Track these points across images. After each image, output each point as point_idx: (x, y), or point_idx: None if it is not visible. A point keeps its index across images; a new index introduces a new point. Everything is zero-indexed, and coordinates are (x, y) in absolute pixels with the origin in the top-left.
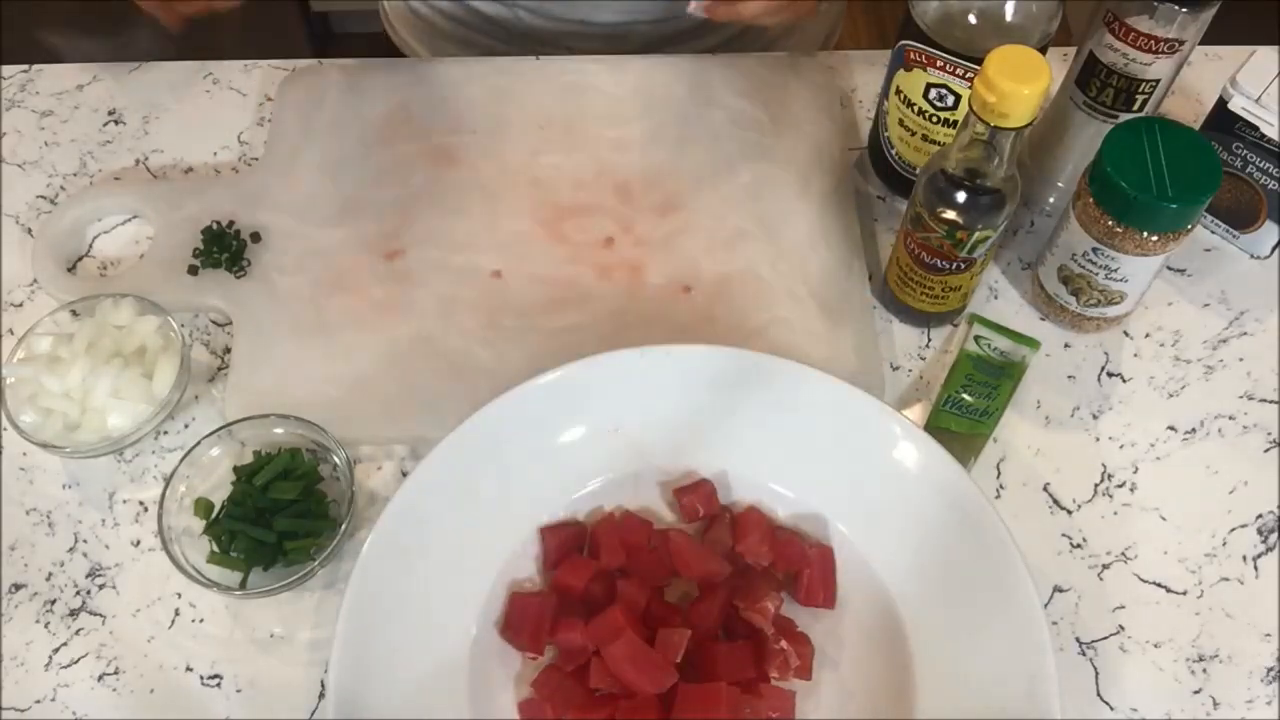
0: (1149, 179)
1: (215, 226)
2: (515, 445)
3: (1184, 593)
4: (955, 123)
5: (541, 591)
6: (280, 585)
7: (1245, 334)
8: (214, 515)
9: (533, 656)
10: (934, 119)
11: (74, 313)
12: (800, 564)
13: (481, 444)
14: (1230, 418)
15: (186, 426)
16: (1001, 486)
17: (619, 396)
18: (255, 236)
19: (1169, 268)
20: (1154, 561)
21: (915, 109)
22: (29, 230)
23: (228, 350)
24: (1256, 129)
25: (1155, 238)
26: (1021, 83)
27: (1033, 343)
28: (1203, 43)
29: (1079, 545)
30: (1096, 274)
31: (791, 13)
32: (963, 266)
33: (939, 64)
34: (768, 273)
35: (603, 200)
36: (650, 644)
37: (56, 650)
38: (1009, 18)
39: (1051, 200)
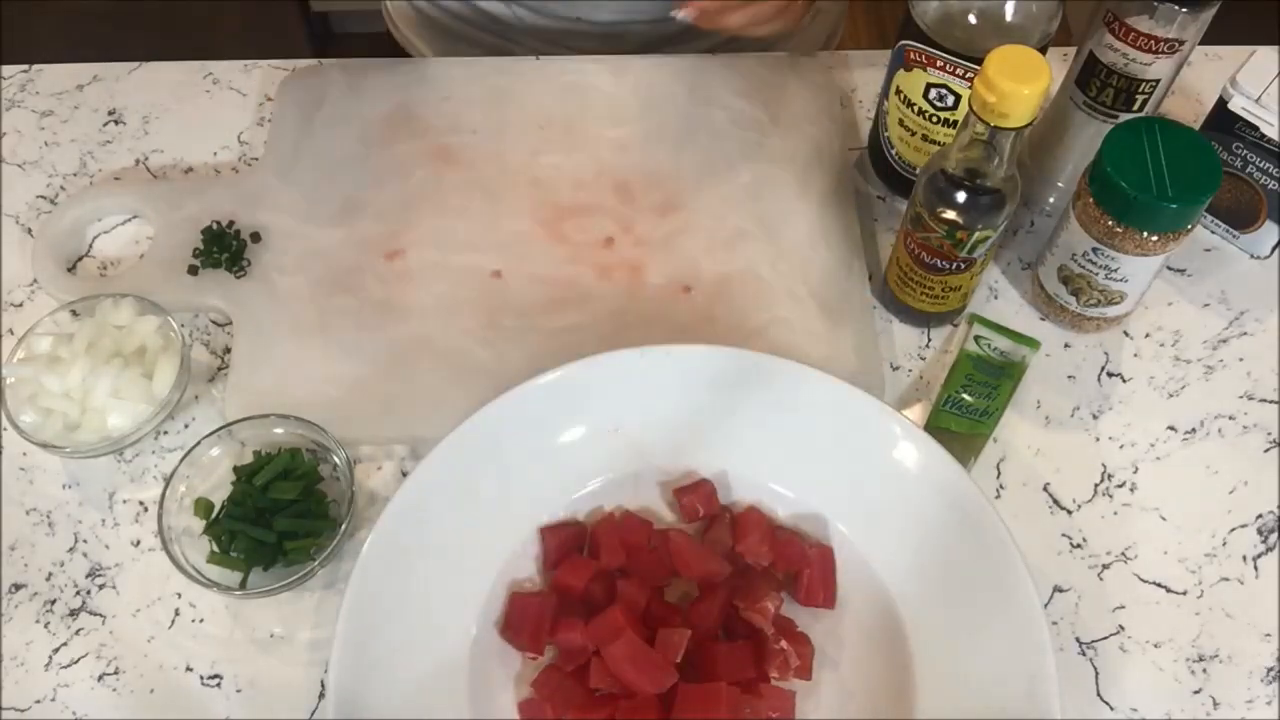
0: (1149, 179)
1: (215, 226)
2: (515, 445)
3: (1184, 593)
4: (955, 123)
5: (541, 591)
6: (280, 585)
7: (1245, 334)
8: (214, 515)
9: (533, 656)
10: (934, 119)
11: (74, 313)
12: (800, 564)
13: (481, 444)
14: (1230, 418)
15: (186, 426)
16: (1001, 486)
17: (619, 396)
18: (255, 236)
19: (1169, 268)
20: (1154, 561)
21: (915, 109)
22: (29, 230)
23: (228, 350)
24: (1256, 129)
25: (1155, 238)
26: (1021, 83)
27: (1033, 343)
28: (1203, 43)
29: (1079, 545)
30: (1096, 274)
31: (779, 24)
32: (963, 266)
33: (939, 64)
34: (768, 273)
35: (603, 200)
36: (650, 644)
37: (56, 650)
38: (1009, 18)
39: (1051, 200)
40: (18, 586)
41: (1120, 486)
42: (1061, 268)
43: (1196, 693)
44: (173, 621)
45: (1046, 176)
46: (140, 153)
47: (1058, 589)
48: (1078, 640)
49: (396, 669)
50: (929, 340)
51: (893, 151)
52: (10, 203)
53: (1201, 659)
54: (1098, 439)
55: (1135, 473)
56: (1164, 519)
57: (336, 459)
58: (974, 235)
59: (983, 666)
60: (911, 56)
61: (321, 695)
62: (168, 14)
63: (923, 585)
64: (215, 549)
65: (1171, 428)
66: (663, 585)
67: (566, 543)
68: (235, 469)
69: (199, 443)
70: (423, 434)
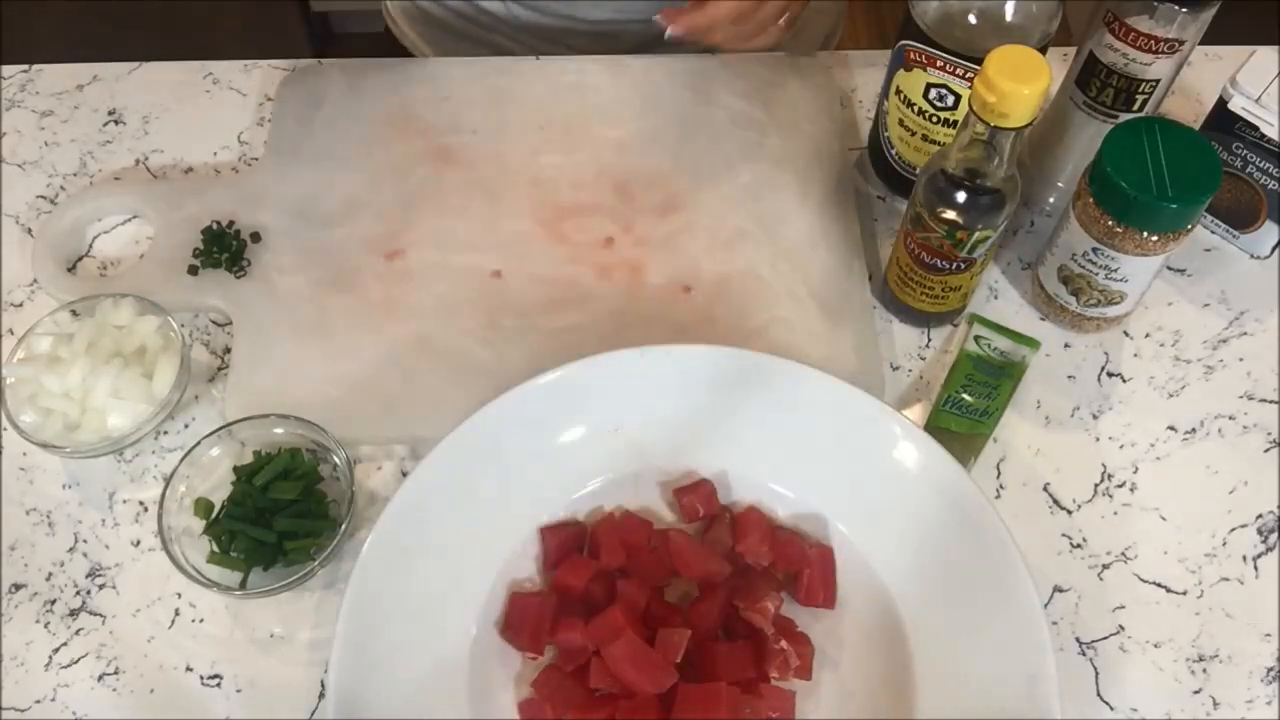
0: (1149, 179)
1: (215, 226)
2: (515, 445)
3: (1184, 593)
4: (955, 123)
5: (541, 591)
6: (280, 585)
7: (1245, 334)
8: (214, 515)
9: (533, 656)
10: (934, 119)
11: (74, 313)
12: (800, 564)
13: (481, 444)
14: (1230, 418)
15: (186, 426)
16: (1001, 486)
17: (619, 396)
18: (255, 236)
19: (1169, 268)
20: (1154, 561)
21: (915, 109)
22: (29, 230)
23: (228, 350)
24: (1256, 129)
25: (1155, 238)
26: (1021, 83)
27: (1033, 343)
28: (1203, 43)
29: (1079, 545)
30: (1096, 274)
31: (762, 41)
32: (963, 266)
33: (939, 64)
34: (768, 273)
35: (603, 200)
36: (650, 644)
37: (56, 650)
38: (1009, 18)
39: (1051, 200)
40: (18, 586)
41: (1120, 486)
42: (1061, 268)
43: (1196, 693)
44: (173, 621)
45: (1046, 176)
46: (140, 153)
47: (1058, 589)
48: (1078, 640)
49: (396, 669)
50: (929, 340)
51: (893, 151)
52: (10, 203)
53: (1201, 659)
54: (1098, 439)
55: (1135, 473)
56: (1164, 519)
57: (336, 459)
58: (974, 235)
59: (983, 666)
60: (911, 56)
61: (321, 695)
62: (168, 14)
63: (923, 585)
64: (215, 549)
65: (1171, 428)
66: (663, 585)
67: (566, 543)
68: (235, 469)
69: (199, 443)
70: (423, 434)
